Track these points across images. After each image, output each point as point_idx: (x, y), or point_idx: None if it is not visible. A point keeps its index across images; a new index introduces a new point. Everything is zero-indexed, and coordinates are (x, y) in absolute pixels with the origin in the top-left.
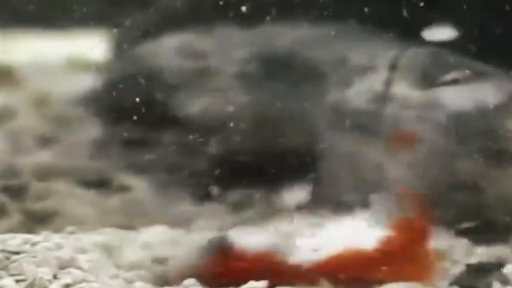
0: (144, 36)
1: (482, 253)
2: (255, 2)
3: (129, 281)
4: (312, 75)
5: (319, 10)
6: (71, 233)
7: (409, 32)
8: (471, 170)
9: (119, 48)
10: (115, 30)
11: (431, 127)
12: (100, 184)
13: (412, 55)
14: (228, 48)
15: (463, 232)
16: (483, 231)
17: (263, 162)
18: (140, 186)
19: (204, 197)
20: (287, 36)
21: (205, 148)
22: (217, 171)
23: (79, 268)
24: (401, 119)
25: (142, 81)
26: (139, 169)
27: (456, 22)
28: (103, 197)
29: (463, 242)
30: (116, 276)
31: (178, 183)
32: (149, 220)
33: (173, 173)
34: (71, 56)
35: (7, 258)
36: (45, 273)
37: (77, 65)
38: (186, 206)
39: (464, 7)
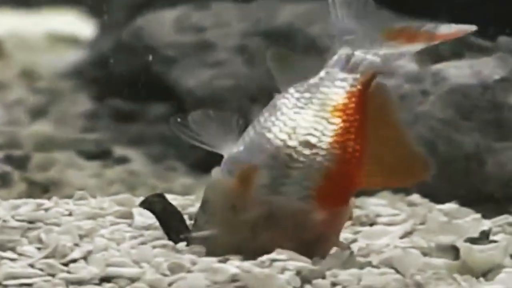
0: (139, 10)
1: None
2: None
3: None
4: (312, 49)
5: None
6: (82, 198)
7: (409, 7)
8: (473, 143)
9: (114, 22)
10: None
11: (433, 100)
12: (99, 155)
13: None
14: (226, 22)
15: (466, 203)
16: (485, 203)
17: None
18: (138, 158)
19: (202, 169)
20: (285, 10)
21: None
22: None
23: (99, 235)
24: (404, 92)
25: (140, 54)
26: (137, 141)
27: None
28: (103, 167)
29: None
30: (135, 239)
31: (176, 156)
32: (150, 190)
33: (171, 146)
34: (53, 31)
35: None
36: (66, 240)
37: (62, 40)
38: (185, 178)
39: None
